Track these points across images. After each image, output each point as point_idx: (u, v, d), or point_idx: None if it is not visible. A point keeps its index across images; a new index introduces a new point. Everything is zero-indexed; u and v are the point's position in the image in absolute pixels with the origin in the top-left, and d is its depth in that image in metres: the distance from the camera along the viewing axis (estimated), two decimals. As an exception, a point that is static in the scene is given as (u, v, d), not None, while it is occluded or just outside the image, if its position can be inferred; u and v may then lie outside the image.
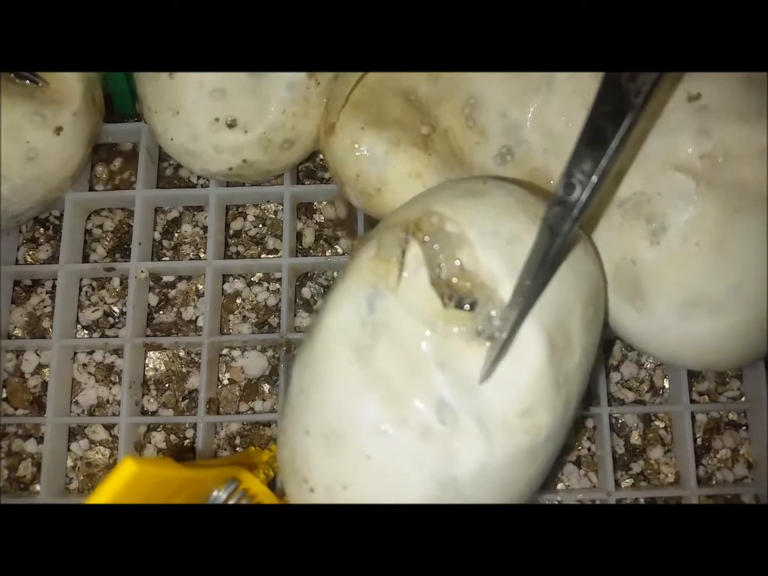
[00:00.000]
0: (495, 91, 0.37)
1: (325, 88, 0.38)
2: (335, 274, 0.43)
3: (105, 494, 0.23)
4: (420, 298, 0.28)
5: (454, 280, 0.28)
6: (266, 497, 0.32)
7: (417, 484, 0.28)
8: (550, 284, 0.28)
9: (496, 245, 0.28)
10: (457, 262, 0.28)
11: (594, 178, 0.26)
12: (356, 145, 0.36)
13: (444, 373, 0.28)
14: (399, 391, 0.28)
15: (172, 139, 0.39)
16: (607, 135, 0.26)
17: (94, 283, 0.44)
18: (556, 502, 0.40)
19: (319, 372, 0.30)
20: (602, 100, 0.27)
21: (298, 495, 0.30)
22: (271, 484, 0.35)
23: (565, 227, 0.26)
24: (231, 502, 0.30)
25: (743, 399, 0.41)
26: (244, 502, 0.31)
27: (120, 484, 0.23)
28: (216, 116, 0.38)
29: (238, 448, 0.41)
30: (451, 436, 0.27)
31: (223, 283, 0.43)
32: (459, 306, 0.28)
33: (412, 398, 0.28)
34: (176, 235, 0.45)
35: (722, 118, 0.32)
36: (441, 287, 0.28)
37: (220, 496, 0.30)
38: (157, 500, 0.26)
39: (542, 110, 0.36)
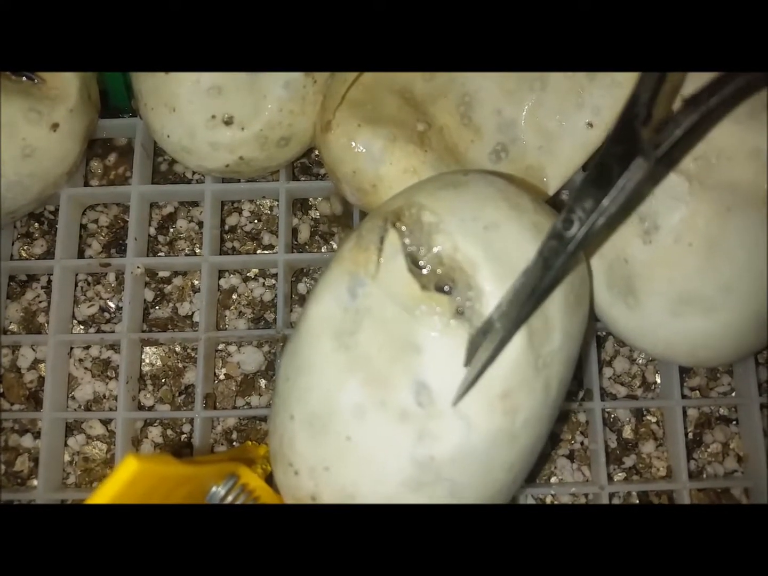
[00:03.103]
0: (490, 88, 0.37)
1: (322, 86, 0.38)
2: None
3: (108, 492, 0.23)
4: (399, 284, 0.29)
5: (433, 266, 0.28)
6: (264, 492, 0.33)
7: (395, 465, 0.28)
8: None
9: (473, 231, 0.28)
10: (436, 249, 0.29)
11: (594, 217, 0.26)
12: (353, 142, 0.36)
13: (423, 355, 0.28)
14: (380, 375, 0.28)
15: (168, 136, 0.39)
16: (612, 176, 0.26)
17: (90, 279, 0.44)
18: (550, 495, 0.40)
19: (303, 360, 0.30)
20: (615, 139, 0.26)
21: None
22: (269, 479, 0.36)
23: (558, 262, 0.26)
24: (230, 497, 0.30)
25: (734, 394, 0.42)
26: (242, 497, 0.31)
27: (122, 482, 0.23)
28: (213, 113, 0.38)
29: (234, 443, 0.41)
30: (428, 418, 0.28)
31: (219, 278, 0.43)
32: (438, 289, 0.28)
33: (391, 381, 0.28)
34: (171, 230, 0.45)
35: (716, 119, 0.32)
36: (420, 273, 0.28)
37: (219, 491, 0.30)
38: (157, 496, 0.26)
39: (536, 109, 0.37)
